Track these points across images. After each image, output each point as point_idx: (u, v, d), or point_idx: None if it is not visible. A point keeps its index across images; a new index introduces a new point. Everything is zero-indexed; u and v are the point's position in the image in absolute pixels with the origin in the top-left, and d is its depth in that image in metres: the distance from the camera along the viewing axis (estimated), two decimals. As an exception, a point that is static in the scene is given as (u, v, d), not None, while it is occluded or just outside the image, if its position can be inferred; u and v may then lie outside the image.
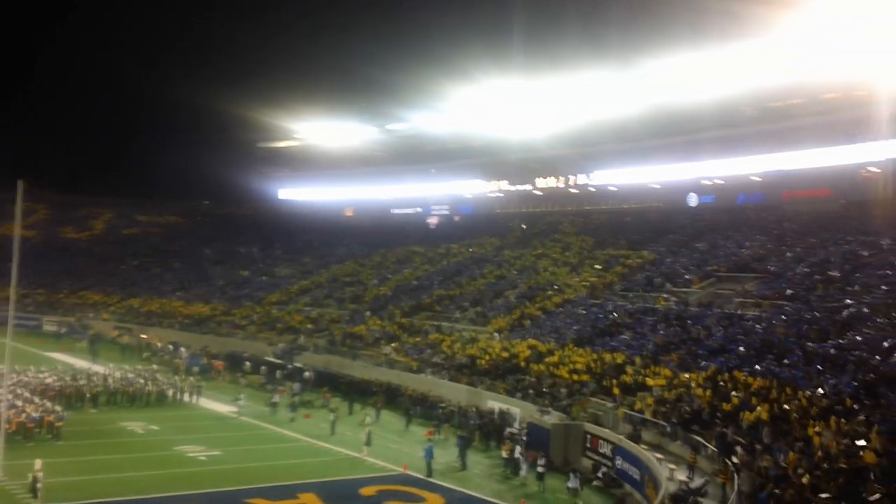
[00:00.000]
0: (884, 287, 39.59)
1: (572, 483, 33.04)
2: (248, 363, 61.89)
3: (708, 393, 35.17)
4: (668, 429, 34.74)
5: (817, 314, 39.38)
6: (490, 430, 42.12)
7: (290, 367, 59.75)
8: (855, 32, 50.56)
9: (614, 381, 41.36)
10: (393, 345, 59.37)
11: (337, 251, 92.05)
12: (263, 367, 60.43)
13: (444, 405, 46.90)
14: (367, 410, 47.96)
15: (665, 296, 52.34)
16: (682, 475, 30.10)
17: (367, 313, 68.09)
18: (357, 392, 52.70)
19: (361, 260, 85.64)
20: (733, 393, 34.02)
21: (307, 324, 69.98)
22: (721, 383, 35.57)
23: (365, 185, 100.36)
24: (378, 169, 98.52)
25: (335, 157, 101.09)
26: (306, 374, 57.25)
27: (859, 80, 53.47)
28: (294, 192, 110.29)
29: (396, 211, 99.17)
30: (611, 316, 51.16)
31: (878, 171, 56.82)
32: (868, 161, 57.10)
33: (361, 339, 62.72)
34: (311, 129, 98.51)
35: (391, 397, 50.57)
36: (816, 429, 26.77)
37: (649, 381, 39.72)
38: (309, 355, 62.80)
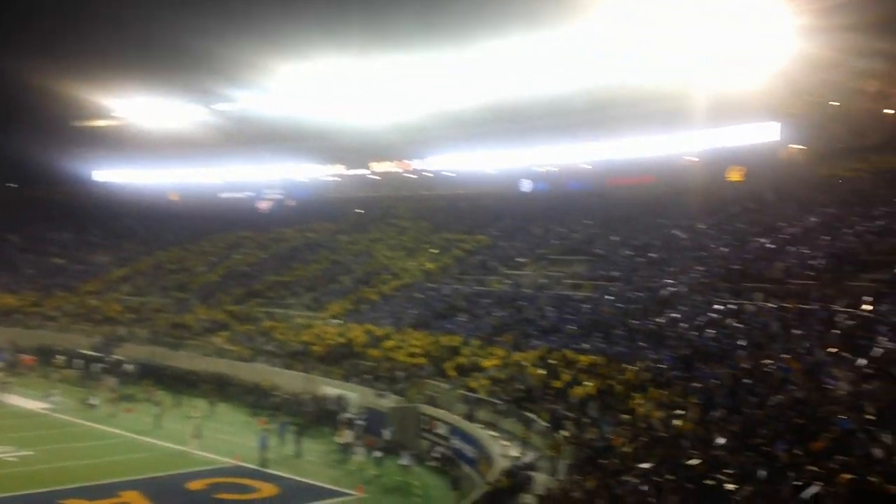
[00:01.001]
0: (700, 267, 41.93)
1: (404, 461, 33.61)
2: (61, 357, 58.03)
3: (540, 371, 36.37)
4: (502, 407, 35.69)
5: (640, 293, 41.37)
6: (326, 417, 42.08)
7: (109, 359, 56.84)
8: (667, 29, 53.35)
9: (450, 363, 42.10)
10: (222, 334, 57.98)
11: (161, 237, 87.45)
12: (79, 361, 56.77)
13: (277, 394, 46.47)
14: (195, 402, 46.76)
15: (499, 278, 53.57)
16: (515, 451, 31.06)
17: (195, 302, 66.21)
18: (184, 384, 51.34)
19: (188, 246, 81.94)
20: (563, 370, 35.33)
21: (127, 314, 66.85)
22: (552, 362, 36.84)
23: (191, 167, 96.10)
24: (206, 151, 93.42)
25: (158, 138, 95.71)
26: (127, 366, 54.82)
27: (677, 74, 56.16)
28: (113, 175, 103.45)
29: (226, 195, 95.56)
30: (447, 299, 52.05)
31: (697, 159, 60.20)
32: (687, 150, 60.61)
33: (188, 329, 60.64)
34: (131, 107, 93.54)
35: (222, 388, 49.57)
36: (639, 401, 28.23)
37: (484, 362, 40.65)
38: (130, 347, 59.90)
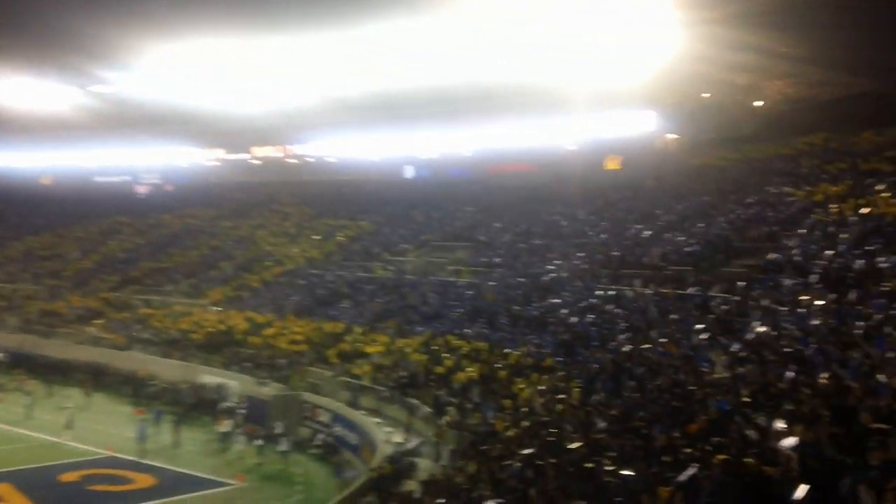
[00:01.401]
0: (580, 254, 42.72)
1: (283, 447, 33.34)
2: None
3: (423, 357, 36.45)
4: (385, 393, 35.66)
5: (522, 279, 41.88)
6: (205, 406, 41.25)
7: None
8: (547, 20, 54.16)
9: (333, 350, 41.81)
10: (97, 322, 56.03)
11: (32, 222, 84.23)
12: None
13: (155, 383, 45.27)
14: (69, 392, 45.14)
15: (383, 265, 53.44)
16: (398, 437, 31.06)
17: (68, 289, 63.73)
18: (57, 373, 49.46)
19: (60, 231, 79.09)
20: (446, 356, 35.48)
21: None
22: (435, 347, 36.97)
23: (65, 150, 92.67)
24: (81, 134, 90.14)
25: (30, 120, 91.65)
26: (-4, 354, 52.36)
27: (558, 65, 56.95)
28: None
29: (101, 179, 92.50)
30: (330, 285, 51.65)
31: (576, 148, 61.28)
32: (567, 140, 61.70)
33: (60, 317, 58.45)
34: (1, 88, 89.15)
35: (98, 377, 47.96)
36: (521, 386, 28.56)
37: (367, 349, 40.52)
38: (1, 335, 57.15)
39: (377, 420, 33.87)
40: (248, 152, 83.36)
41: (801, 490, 9.68)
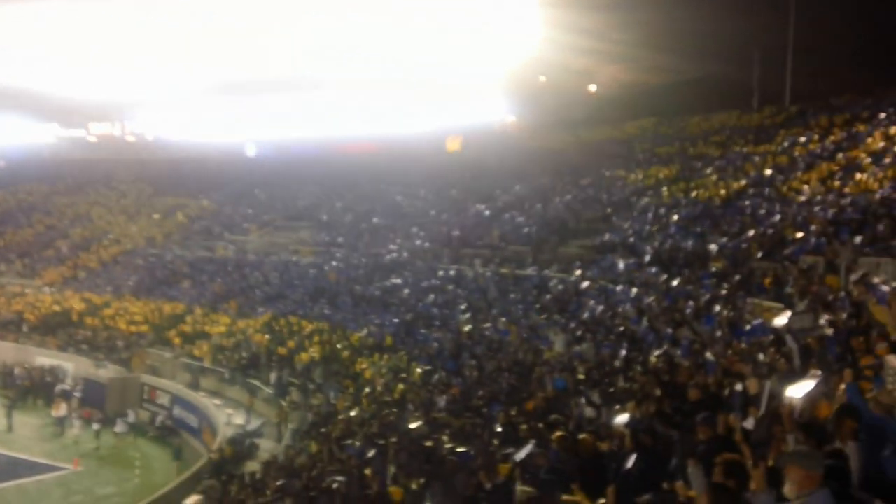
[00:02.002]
0: (421, 234, 43.11)
1: (119, 428, 32.50)
2: None
3: (265, 338, 36.03)
4: (227, 375, 35.12)
5: (364, 259, 41.94)
6: (40, 389, 39.50)
7: None
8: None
9: (173, 331, 40.81)
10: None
11: None
12: None
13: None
14: None
15: (224, 244, 52.37)
16: (239, 419, 30.68)
17: None
18: None
19: None
20: (289, 337, 35.21)
21: None
22: (277, 328, 36.61)
23: None
24: None
25: None
26: None
27: (397, 47, 57.08)
28: None
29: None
30: (170, 265, 50.29)
31: (419, 128, 61.52)
32: (410, 120, 61.74)
33: None
34: None
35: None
36: (364, 366, 28.67)
37: (209, 330, 39.75)
38: None
39: (218, 402, 33.32)
40: (86, 129, 79.71)
41: (631, 460, 9.95)
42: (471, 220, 43.14)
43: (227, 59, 65.72)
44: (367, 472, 14.60)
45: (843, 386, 8.49)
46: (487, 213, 43.27)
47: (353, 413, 23.54)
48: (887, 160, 28.82)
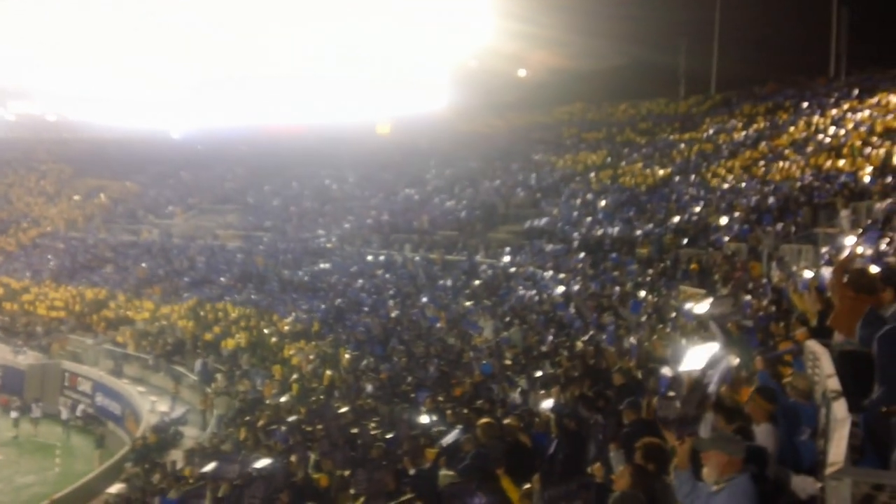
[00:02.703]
0: (351, 218, 42.82)
1: (35, 413, 31.88)
2: None
3: (190, 323, 35.48)
4: (151, 361, 34.54)
5: (292, 244, 41.52)
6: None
7: None
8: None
9: (96, 317, 39.94)
10: None
11: None
12: None
13: None
14: None
15: (148, 228, 51.38)
16: (164, 406, 30.21)
17: None
18: None
19: None
20: (214, 322, 34.73)
21: None
22: (203, 314, 36.07)
23: None
24: None
25: None
26: None
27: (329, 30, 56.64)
28: None
29: None
30: (92, 249, 49.22)
31: (351, 112, 61.29)
32: (341, 104, 61.53)
33: None
34: None
35: None
36: (292, 352, 28.40)
37: (132, 315, 39.01)
38: None
39: (142, 389, 32.75)
40: (3, 107, 77.28)
41: (554, 445, 10.10)
42: (400, 204, 42.98)
43: (158, 43, 64.57)
44: (293, 458, 14.51)
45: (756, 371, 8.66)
46: (417, 197, 43.15)
47: (279, 400, 23.31)
48: (809, 149, 29.57)
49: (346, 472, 13.19)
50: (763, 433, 6.59)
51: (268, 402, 23.88)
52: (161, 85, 67.47)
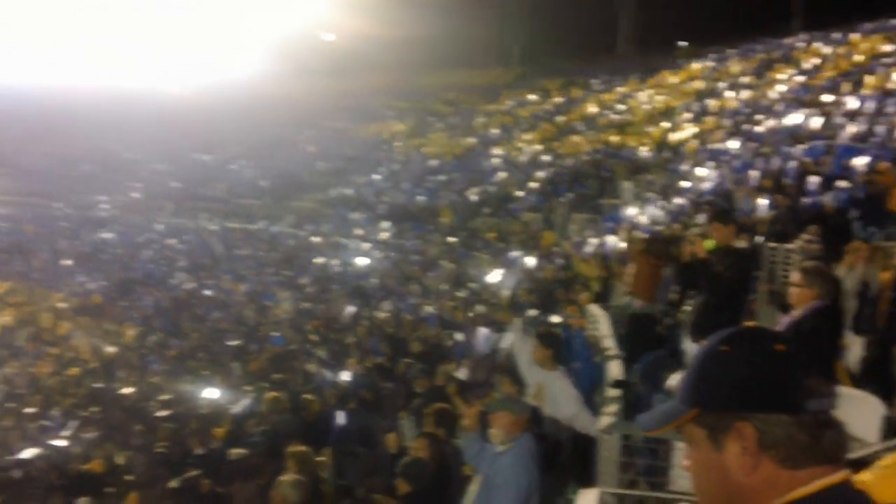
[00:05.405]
0: (138, 184, 40.53)
1: None
2: None
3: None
4: None
5: (70, 212, 38.81)
6: None
7: None
8: None
9: None
10: None
11: None
12: None
13: None
14: None
15: None
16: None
17: None
18: None
19: None
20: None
21: None
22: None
23: None
24: None
25: None
26: None
27: None
28: None
29: None
30: None
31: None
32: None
33: None
34: None
35: None
36: (68, 330, 26.45)
37: None
38: None
39: None
40: None
41: (340, 416, 10.08)
42: (194, 171, 40.94)
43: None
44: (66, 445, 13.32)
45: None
46: (214, 163, 41.32)
47: (54, 382, 21.43)
48: (602, 123, 30.53)
49: (125, 457, 12.19)
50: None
51: (41, 385, 21.92)
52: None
